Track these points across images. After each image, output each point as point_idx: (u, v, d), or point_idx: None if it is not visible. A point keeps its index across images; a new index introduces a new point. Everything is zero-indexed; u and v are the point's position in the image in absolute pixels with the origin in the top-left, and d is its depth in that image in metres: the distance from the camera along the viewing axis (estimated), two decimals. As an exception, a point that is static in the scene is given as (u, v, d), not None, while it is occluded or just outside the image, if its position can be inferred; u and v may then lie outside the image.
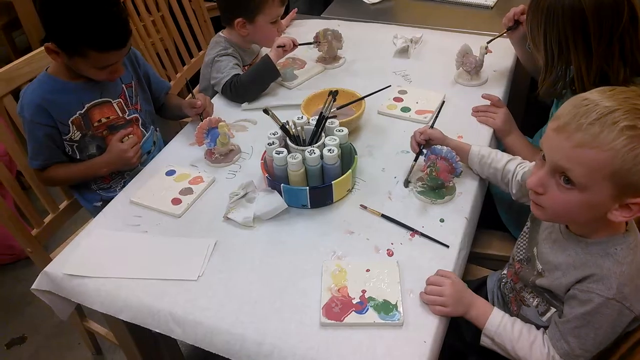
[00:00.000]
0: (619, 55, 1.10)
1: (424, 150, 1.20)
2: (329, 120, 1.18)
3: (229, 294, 0.98)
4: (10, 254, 2.04)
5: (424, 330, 0.89)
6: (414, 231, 1.08)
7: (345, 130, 1.17)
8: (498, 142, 1.37)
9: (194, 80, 1.75)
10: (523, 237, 1.04)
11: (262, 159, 1.20)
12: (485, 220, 1.27)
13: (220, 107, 1.51)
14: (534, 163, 0.95)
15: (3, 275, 2.04)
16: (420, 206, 1.14)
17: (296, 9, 1.99)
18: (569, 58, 1.13)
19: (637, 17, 1.09)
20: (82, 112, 1.30)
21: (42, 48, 1.25)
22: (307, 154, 1.10)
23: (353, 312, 0.92)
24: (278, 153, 1.11)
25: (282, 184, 1.12)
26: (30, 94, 1.26)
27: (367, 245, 1.06)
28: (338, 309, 0.92)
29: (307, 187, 1.11)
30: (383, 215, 1.11)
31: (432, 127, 1.22)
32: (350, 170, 1.14)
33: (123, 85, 1.38)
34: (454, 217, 1.11)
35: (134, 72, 1.43)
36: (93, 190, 1.44)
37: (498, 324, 0.94)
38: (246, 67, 1.64)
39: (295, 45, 1.57)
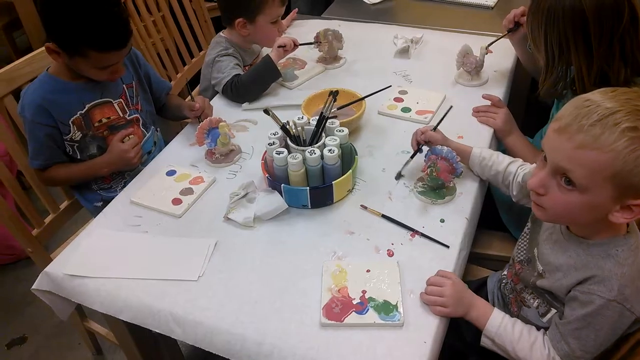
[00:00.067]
0: (620, 55, 1.10)
1: (423, 149, 1.20)
2: (329, 121, 1.18)
3: (229, 294, 0.98)
4: (11, 254, 2.04)
5: (424, 331, 0.89)
6: (414, 231, 1.08)
7: (346, 131, 1.17)
8: (498, 143, 1.37)
9: (195, 81, 1.75)
10: (524, 237, 1.04)
11: (262, 159, 1.20)
12: (486, 221, 1.27)
13: (221, 107, 1.51)
14: (534, 165, 0.95)
15: (3, 275, 2.04)
16: (421, 206, 1.14)
17: (297, 9, 2.00)
18: (569, 58, 1.13)
19: (637, 17, 1.09)
20: (83, 112, 1.30)
21: (43, 48, 1.25)
22: (307, 154, 1.10)
23: (353, 312, 0.92)
24: (278, 153, 1.11)
25: (282, 184, 1.12)
26: (31, 94, 1.26)
27: (367, 246, 1.06)
28: (338, 309, 0.92)
29: (308, 188, 1.11)
30: (383, 216, 1.11)
31: (434, 129, 1.22)
32: (350, 171, 1.14)
33: (124, 85, 1.38)
34: (454, 218, 1.11)
35: (135, 73, 1.43)
36: (94, 190, 1.44)
37: (498, 325, 0.94)
38: (247, 67, 1.64)
39: (295, 45, 1.57)
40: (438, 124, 1.24)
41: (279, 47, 1.53)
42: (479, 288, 1.16)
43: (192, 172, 1.27)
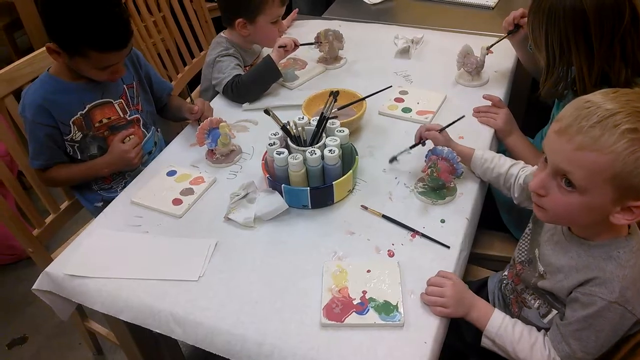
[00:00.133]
0: (621, 56, 1.10)
1: (426, 142, 1.20)
2: (329, 121, 1.18)
3: (229, 294, 0.98)
4: (12, 254, 2.05)
5: (425, 331, 0.89)
6: (414, 232, 1.08)
7: (346, 131, 1.17)
8: (499, 143, 1.37)
9: (195, 81, 1.75)
10: (525, 238, 1.04)
11: (263, 160, 1.20)
12: (486, 221, 1.27)
13: (221, 108, 1.52)
14: (536, 167, 0.95)
15: (4, 276, 2.04)
16: (421, 207, 1.14)
17: (297, 10, 2.00)
18: (570, 59, 1.13)
19: (638, 18, 1.08)
20: (84, 112, 1.30)
21: (44, 48, 1.26)
22: (308, 154, 1.10)
23: (354, 312, 0.92)
24: (279, 153, 1.11)
25: (283, 185, 1.12)
26: (31, 94, 1.26)
27: (367, 246, 1.06)
28: (339, 309, 0.92)
29: (308, 188, 1.11)
30: (384, 216, 1.11)
31: (441, 131, 1.22)
32: (351, 171, 1.14)
33: (124, 85, 1.38)
34: (454, 218, 1.11)
35: (135, 73, 1.43)
36: (94, 190, 1.44)
37: (499, 326, 0.93)
38: (247, 68, 1.64)
39: (296, 45, 1.57)
40: (447, 126, 1.24)
41: (279, 47, 1.53)
42: (480, 288, 1.16)
43: (193, 173, 1.27)
